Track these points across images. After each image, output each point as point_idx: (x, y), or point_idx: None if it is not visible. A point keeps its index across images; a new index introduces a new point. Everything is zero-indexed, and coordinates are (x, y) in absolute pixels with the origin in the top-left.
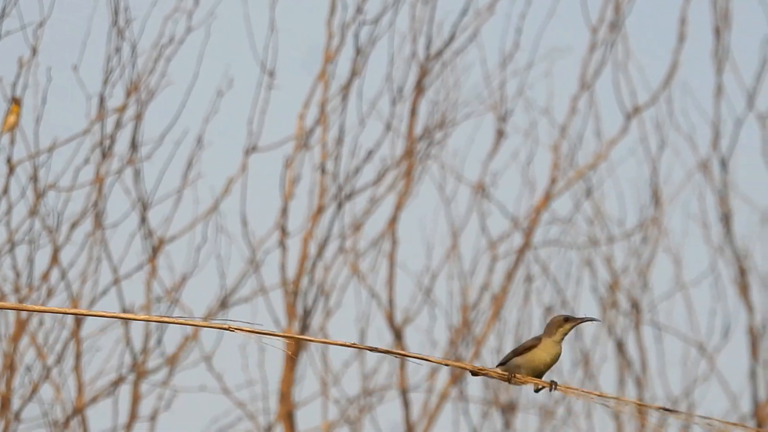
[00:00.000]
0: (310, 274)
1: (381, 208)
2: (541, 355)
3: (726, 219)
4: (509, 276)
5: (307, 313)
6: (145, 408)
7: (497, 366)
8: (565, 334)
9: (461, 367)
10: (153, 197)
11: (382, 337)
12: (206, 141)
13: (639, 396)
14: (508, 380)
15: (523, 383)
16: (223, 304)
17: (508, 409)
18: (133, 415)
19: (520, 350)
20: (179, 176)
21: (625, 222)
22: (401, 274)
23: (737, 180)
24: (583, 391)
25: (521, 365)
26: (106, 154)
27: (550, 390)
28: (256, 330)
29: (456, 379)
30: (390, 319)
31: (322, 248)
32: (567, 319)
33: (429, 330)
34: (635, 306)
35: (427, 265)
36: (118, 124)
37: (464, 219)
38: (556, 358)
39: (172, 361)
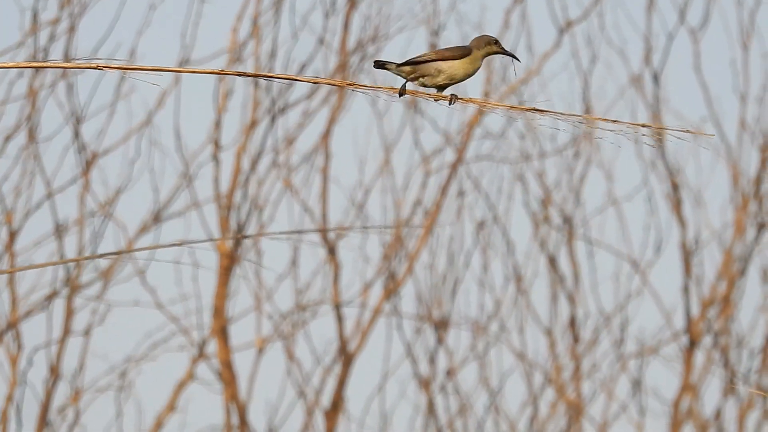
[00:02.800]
0: (244, 189)
1: (314, 123)
2: (463, 65)
3: (658, 134)
4: (442, 191)
5: (240, 228)
6: (79, 322)
7: (401, 65)
8: (489, 54)
9: (338, 84)
10: (86, 111)
11: (315, 252)
12: (139, 54)
13: (572, 312)
14: (401, 90)
15: (427, 93)
16: (157, 218)
17: (441, 325)
18: (66, 330)
19: (446, 55)
20: (112, 90)
21: (557, 137)
22: (334, 188)
23: (669, 95)
24: (483, 102)
25: (441, 70)
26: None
27: (450, 103)
28: None
29: (389, 294)
30: (323, 234)
31: (255, 162)
32: (496, 42)
33: (362, 245)
34: (567, 221)
35: (360, 180)
36: (52, 37)
37: (397, 134)
38: (473, 73)
39: (105, 276)
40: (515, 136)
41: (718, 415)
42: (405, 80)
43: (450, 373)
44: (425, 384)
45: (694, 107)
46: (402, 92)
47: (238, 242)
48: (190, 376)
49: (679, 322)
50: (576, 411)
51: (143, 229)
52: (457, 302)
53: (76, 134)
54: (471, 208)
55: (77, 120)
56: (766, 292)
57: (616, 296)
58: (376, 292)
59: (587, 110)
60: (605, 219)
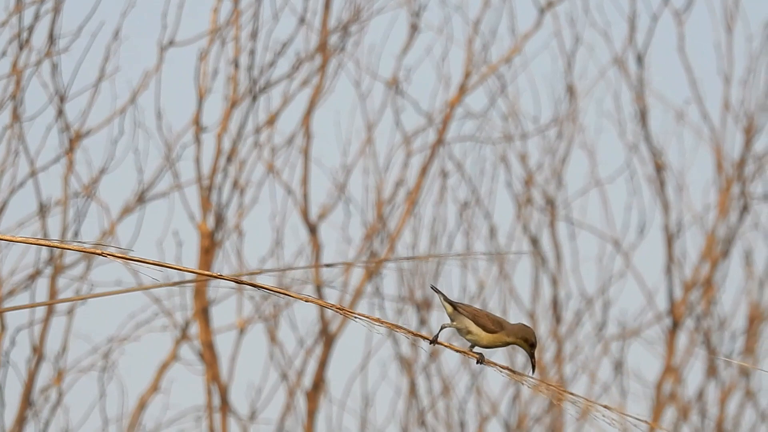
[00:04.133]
0: (225, 170)
1: (296, 104)
2: (492, 340)
3: (641, 115)
4: (424, 172)
5: (222, 209)
6: (62, 303)
7: (456, 304)
8: (517, 344)
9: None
10: (70, 90)
11: (298, 234)
12: (123, 34)
13: (554, 293)
14: (433, 340)
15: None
16: (140, 198)
17: (423, 306)
18: (49, 310)
19: (480, 322)
20: (96, 70)
21: (539, 118)
22: (316, 169)
23: (653, 76)
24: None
25: (472, 332)
26: (23, 47)
27: (477, 362)
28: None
29: (371, 275)
30: (305, 215)
31: (236, 143)
32: (533, 345)
33: (344, 226)
34: (550, 202)
35: (342, 161)
36: (36, 17)
37: (379, 114)
38: (494, 347)
39: (88, 256)
40: (497, 117)
41: (700, 397)
42: (442, 327)
43: (432, 354)
44: (407, 365)
45: (677, 89)
46: (434, 341)
47: (219, 223)
48: (173, 357)
49: (661, 303)
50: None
51: (126, 210)
52: (440, 283)
53: (60, 114)
54: (453, 189)
55: (61, 99)
56: (749, 275)
57: (598, 278)
58: (358, 273)
59: (570, 92)
60: (588, 200)
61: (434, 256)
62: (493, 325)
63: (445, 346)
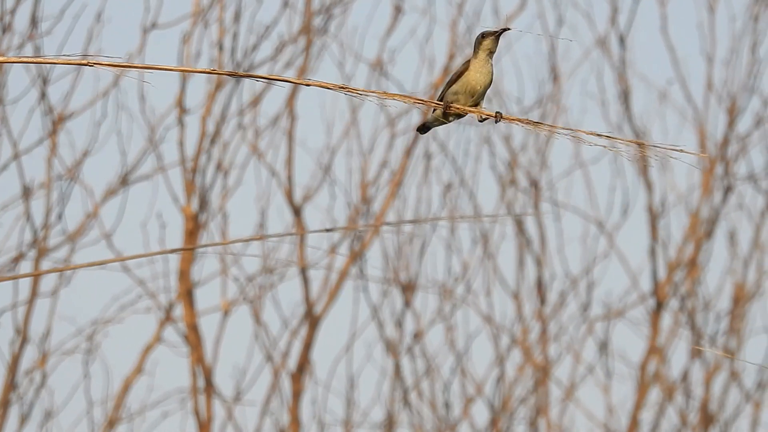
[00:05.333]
0: (209, 152)
1: (280, 86)
2: (474, 75)
3: (624, 96)
4: (408, 153)
5: (205, 191)
6: (46, 285)
7: (439, 98)
8: (490, 49)
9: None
10: (53, 73)
11: (282, 215)
12: (106, 17)
13: (538, 274)
14: (446, 110)
15: (466, 112)
16: (124, 181)
17: (408, 288)
18: (33, 292)
19: (454, 77)
20: (79, 52)
21: (523, 99)
22: (300, 151)
23: (635, 57)
24: (527, 120)
25: (458, 91)
26: (6, 30)
27: (496, 121)
28: None
29: (356, 257)
30: (289, 196)
31: (220, 125)
32: (483, 35)
33: (329, 208)
34: (534, 184)
35: (327, 143)
36: (18, 0)
37: (363, 96)
38: (490, 76)
39: (72, 238)
40: None
41: (684, 377)
42: (443, 121)
43: (417, 335)
44: (392, 346)
45: (660, 69)
46: (446, 109)
47: (203, 205)
48: (157, 339)
49: (645, 284)
50: (543, 373)
51: (110, 192)
52: (424, 265)
53: (43, 96)
54: (437, 171)
55: (44, 82)
56: (733, 255)
57: (582, 259)
58: (342, 254)
59: (553, 73)
60: (572, 181)
61: (421, 220)
62: (461, 67)
63: (458, 109)
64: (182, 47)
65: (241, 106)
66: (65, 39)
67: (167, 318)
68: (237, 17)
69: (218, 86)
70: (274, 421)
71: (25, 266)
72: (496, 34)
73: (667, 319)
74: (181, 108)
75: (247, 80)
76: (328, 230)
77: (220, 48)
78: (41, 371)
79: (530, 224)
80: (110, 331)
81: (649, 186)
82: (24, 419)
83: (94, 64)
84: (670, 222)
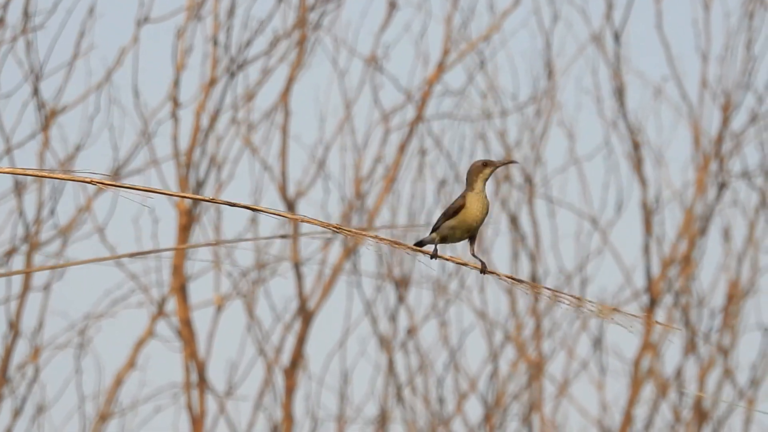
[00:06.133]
0: (203, 146)
1: (274, 80)
2: (471, 212)
3: (619, 93)
4: (402, 149)
5: (199, 185)
6: (38, 279)
7: (431, 232)
8: (486, 180)
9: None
10: (45, 67)
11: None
12: (98, 11)
13: (532, 270)
14: (433, 257)
15: (451, 260)
16: (116, 175)
17: (402, 283)
18: (26, 286)
19: (450, 212)
20: (72, 46)
21: (518, 95)
22: (294, 146)
23: (630, 54)
24: (514, 279)
25: (455, 227)
26: None
27: (482, 273)
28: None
29: (349, 252)
30: (283, 191)
31: (214, 120)
32: (486, 164)
33: (322, 203)
34: (528, 180)
35: (320, 138)
36: None
37: (357, 91)
38: (486, 210)
39: (65, 232)
40: (476, 94)
41: (678, 374)
42: (435, 245)
43: (410, 331)
44: (386, 342)
45: (655, 66)
46: (434, 256)
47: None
48: (150, 334)
49: (639, 281)
50: (536, 369)
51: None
52: (418, 260)
53: (35, 91)
54: (432, 166)
55: (36, 77)
56: (727, 251)
57: (576, 255)
58: (336, 249)
59: (548, 69)
60: (566, 178)
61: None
62: (458, 201)
63: (446, 259)
64: (176, 41)
65: (234, 101)
66: (58, 33)
67: (160, 312)
68: (231, 12)
69: (212, 80)
70: (267, 416)
71: (18, 261)
72: (499, 165)
73: (661, 316)
74: (175, 102)
75: (241, 75)
76: (322, 227)
77: (215, 43)
78: (33, 365)
79: (524, 220)
80: (103, 326)
81: (643, 182)
82: (16, 413)
83: (98, 182)
84: (664, 218)
